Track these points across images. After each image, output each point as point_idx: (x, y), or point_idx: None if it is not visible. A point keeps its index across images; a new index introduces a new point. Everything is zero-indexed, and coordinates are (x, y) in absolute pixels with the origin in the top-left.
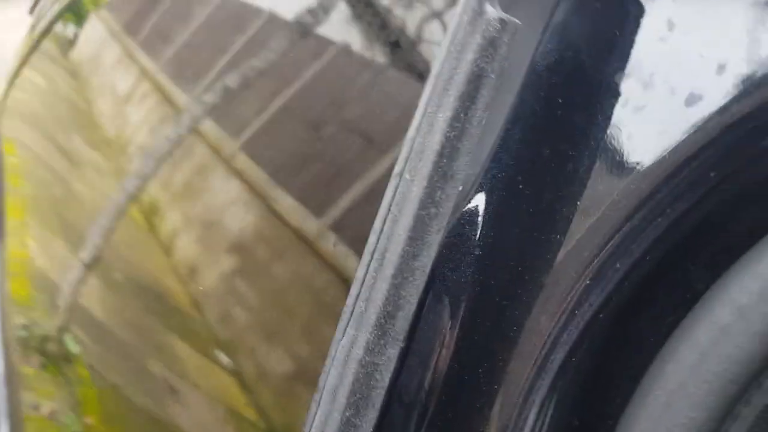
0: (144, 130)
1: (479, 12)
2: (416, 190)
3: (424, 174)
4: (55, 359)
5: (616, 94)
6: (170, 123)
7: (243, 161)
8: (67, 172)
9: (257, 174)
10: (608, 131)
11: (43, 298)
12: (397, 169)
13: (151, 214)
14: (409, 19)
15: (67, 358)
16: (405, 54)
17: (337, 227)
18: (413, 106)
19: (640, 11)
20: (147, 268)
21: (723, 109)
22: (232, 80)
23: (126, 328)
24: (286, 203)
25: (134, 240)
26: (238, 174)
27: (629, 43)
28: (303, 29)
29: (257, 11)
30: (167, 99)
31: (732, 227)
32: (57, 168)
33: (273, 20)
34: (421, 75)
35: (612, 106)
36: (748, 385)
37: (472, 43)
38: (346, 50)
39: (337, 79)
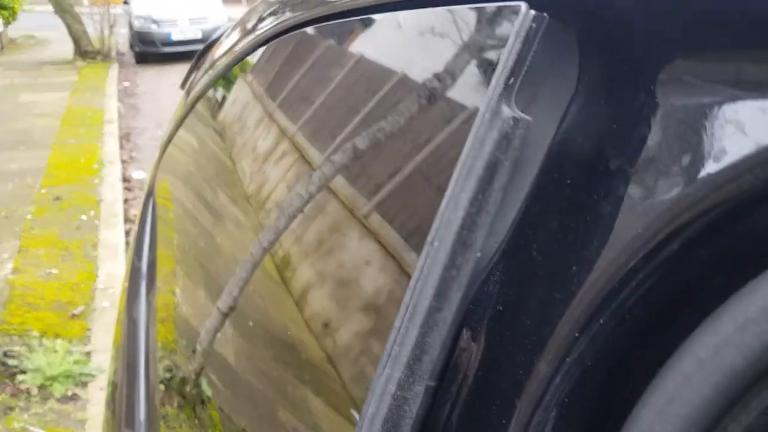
0: (281, 188)
1: (497, 111)
2: (442, 256)
3: (448, 242)
4: (192, 401)
5: (614, 178)
6: (304, 181)
7: (376, 221)
8: (211, 226)
9: (389, 235)
10: (605, 208)
11: (185, 343)
12: (429, 238)
13: (283, 267)
14: None
15: (202, 400)
16: None
17: None
18: None
19: (631, 110)
20: (279, 319)
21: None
22: (360, 142)
23: (256, 375)
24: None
25: (267, 291)
26: (371, 234)
27: (626, 136)
28: (430, 93)
29: (389, 74)
30: (303, 158)
31: (699, 297)
32: (203, 222)
33: (403, 83)
34: None
35: (609, 188)
36: (709, 429)
37: (490, 137)
38: (473, 113)
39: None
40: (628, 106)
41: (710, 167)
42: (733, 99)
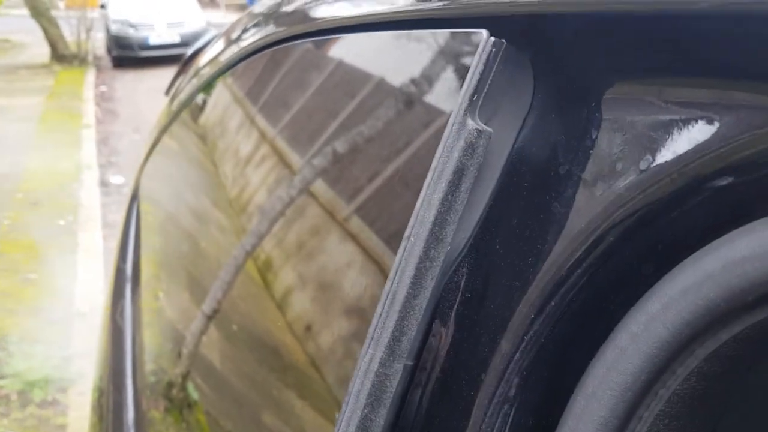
0: (262, 192)
1: (463, 124)
2: (417, 249)
3: (423, 237)
4: (178, 404)
5: (563, 182)
6: (284, 185)
7: (356, 225)
8: (194, 230)
9: (370, 238)
10: (556, 206)
11: (170, 347)
12: (406, 234)
13: (266, 270)
14: None
15: (189, 404)
16: None
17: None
18: None
19: (577, 123)
20: (263, 321)
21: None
22: (340, 145)
23: (242, 377)
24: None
25: (251, 294)
26: (352, 237)
27: (573, 145)
28: (408, 98)
29: (368, 79)
30: (283, 162)
31: (633, 282)
32: (186, 226)
33: (381, 88)
34: None
35: (560, 188)
36: (643, 393)
37: (458, 146)
38: (442, 125)
39: (432, 150)
40: (575, 119)
41: (639, 172)
42: (659, 115)
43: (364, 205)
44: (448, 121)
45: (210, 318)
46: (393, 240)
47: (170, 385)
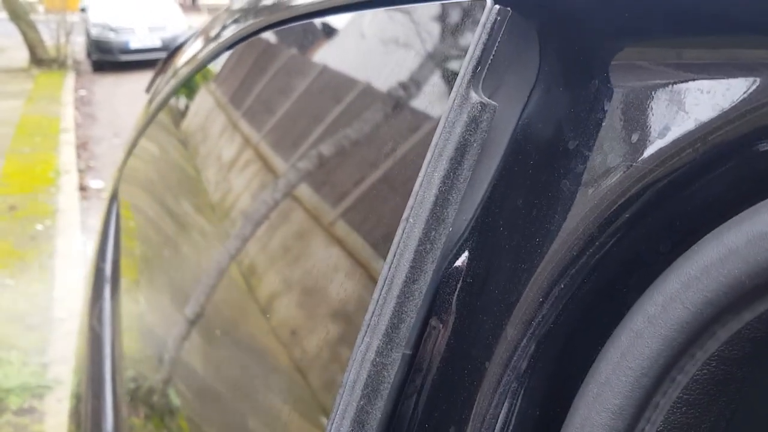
0: (243, 186)
1: (466, 97)
2: (417, 231)
3: (422, 218)
4: (159, 411)
5: (572, 157)
6: (269, 189)
7: (342, 229)
8: (175, 235)
9: (356, 243)
10: (564, 185)
11: (151, 353)
12: (404, 215)
13: (249, 275)
14: None
15: (171, 410)
16: None
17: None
18: None
19: (587, 95)
20: (246, 326)
21: (635, 179)
22: (326, 149)
23: (226, 383)
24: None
25: (233, 298)
26: (337, 242)
27: (582, 118)
28: (396, 102)
29: (353, 83)
30: (267, 167)
31: (649, 261)
32: (167, 231)
33: (368, 92)
34: None
35: (569, 164)
36: (660, 379)
37: (460, 121)
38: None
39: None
40: (584, 91)
41: (656, 143)
42: (676, 81)
43: (360, 185)
44: (450, 95)
45: (192, 323)
46: (390, 222)
47: (151, 391)
